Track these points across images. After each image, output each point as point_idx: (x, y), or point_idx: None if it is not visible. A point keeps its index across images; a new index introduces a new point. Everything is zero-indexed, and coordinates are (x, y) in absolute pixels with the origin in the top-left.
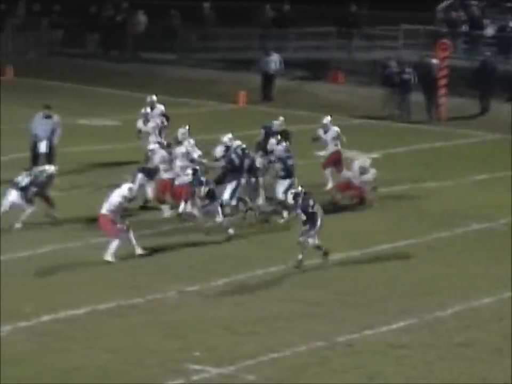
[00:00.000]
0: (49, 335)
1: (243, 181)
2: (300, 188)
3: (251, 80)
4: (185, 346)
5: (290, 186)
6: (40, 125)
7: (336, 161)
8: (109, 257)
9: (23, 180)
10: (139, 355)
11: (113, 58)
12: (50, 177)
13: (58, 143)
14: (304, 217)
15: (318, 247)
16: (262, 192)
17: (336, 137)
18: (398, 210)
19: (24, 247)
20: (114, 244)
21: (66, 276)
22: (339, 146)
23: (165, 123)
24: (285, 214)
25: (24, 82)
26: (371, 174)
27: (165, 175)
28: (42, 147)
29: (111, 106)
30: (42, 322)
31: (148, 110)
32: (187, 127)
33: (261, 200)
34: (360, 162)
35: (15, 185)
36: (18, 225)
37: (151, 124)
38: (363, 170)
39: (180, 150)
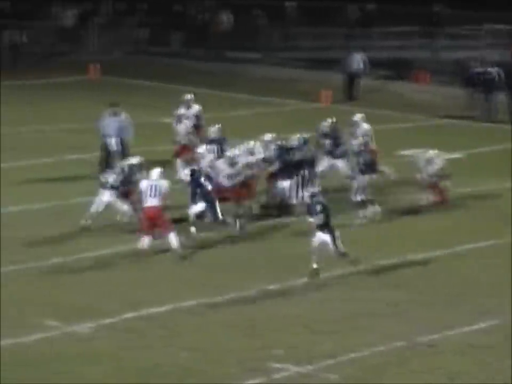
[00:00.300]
0: (131, 332)
1: (300, 175)
2: (317, 188)
3: (335, 80)
4: (265, 344)
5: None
6: (108, 123)
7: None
8: (179, 251)
9: (112, 177)
10: (218, 354)
11: (198, 57)
12: (140, 167)
13: (142, 142)
14: (320, 220)
15: (343, 254)
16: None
17: (367, 135)
18: (480, 210)
19: (107, 245)
20: (174, 237)
21: (148, 274)
22: (373, 142)
23: (201, 123)
24: (361, 213)
25: (110, 81)
26: (437, 164)
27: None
28: (113, 145)
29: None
30: (124, 319)
31: (182, 111)
32: (218, 126)
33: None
34: (424, 156)
35: (105, 185)
36: (125, 219)
37: (182, 126)
38: (428, 163)
39: (246, 147)
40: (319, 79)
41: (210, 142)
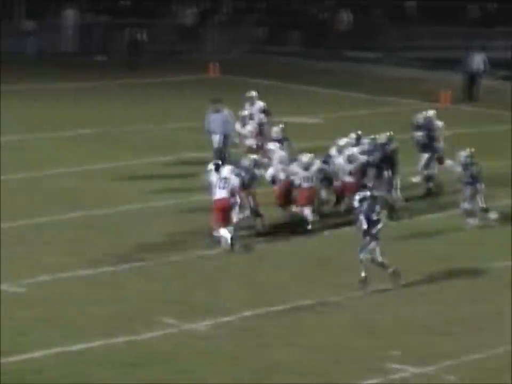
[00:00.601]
0: (249, 331)
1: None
2: (368, 192)
3: (455, 80)
4: (383, 345)
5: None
6: (212, 120)
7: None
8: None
9: (231, 176)
10: (337, 353)
11: (316, 56)
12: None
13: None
14: (365, 226)
15: (382, 265)
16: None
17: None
18: None
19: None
20: (226, 232)
21: (266, 274)
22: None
23: (265, 120)
24: (471, 221)
25: (229, 80)
26: None
27: (282, 177)
28: (216, 141)
29: (313, 104)
30: (242, 318)
31: (246, 112)
32: (282, 126)
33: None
34: None
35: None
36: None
37: (248, 127)
38: None
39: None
40: (439, 79)
41: (273, 141)
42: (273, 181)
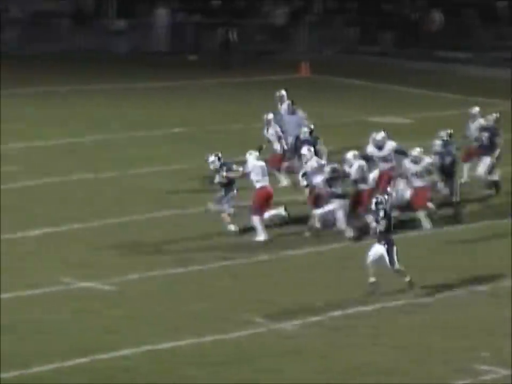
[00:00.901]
0: (339, 330)
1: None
2: (386, 196)
3: None
4: (473, 346)
5: None
6: (287, 121)
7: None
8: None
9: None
10: (425, 353)
11: (407, 56)
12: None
13: (351, 140)
14: (381, 229)
15: (397, 271)
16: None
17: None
18: None
19: (311, 244)
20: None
21: (357, 273)
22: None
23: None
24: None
25: (320, 80)
26: None
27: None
28: (289, 143)
29: (404, 105)
30: (331, 317)
31: (270, 116)
32: (312, 126)
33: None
34: None
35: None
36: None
37: (270, 131)
38: None
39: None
40: None
41: (302, 142)
42: (307, 185)
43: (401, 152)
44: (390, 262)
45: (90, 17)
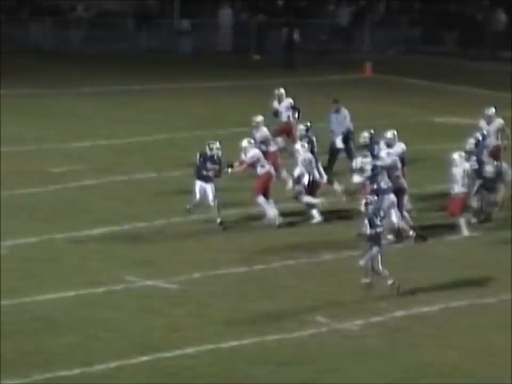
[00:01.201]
0: (401, 331)
1: None
2: (374, 196)
3: None
4: None
5: None
6: (333, 120)
7: (495, 155)
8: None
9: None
10: (489, 355)
11: (472, 57)
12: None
13: (416, 140)
14: (368, 230)
15: (380, 274)
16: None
17: (500, 130)
18: None
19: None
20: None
21: (420, 273)
22: (499, 141)
23: (292, 117)
24: None
25: (383, 80)
26: None
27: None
28: (338, 143)
29: (469, 105)
30: (394, 318)
31: (276, 104)
32: (309, 124)
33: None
34: None
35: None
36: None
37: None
38: None
39: None
40: None
41: (300, 139)
42: (298, 180)
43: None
44: (373, 264)
45: (155, 17)
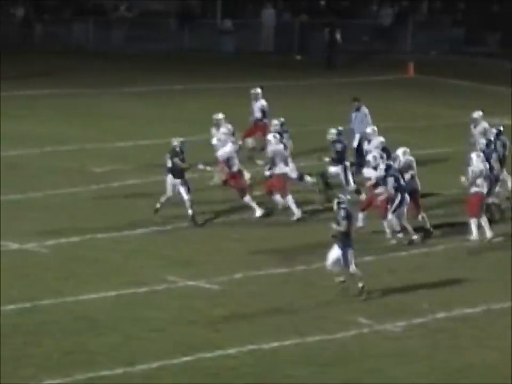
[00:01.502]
0: (443, 332)
1: None
2: (348, 196)
3: None
4: None
5: None
6: (354, 119)
7: None
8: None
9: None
10: None
11: None
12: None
13: (455, 142)
14: (343, 228)
15: (352, 275)
16: None
17: (483, 134)
18: None
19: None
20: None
21: (462, 274)
22: None
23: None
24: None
25: (426, 80)
26: None
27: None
28: (355, 142)
29: (509, 106)
30: (436, 319)
31: (253, 102)
32: (282, 119)
33: None
34: None
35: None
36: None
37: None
38: None
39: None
40: None
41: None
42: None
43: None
44: (345, 264)
45: (197, 17)
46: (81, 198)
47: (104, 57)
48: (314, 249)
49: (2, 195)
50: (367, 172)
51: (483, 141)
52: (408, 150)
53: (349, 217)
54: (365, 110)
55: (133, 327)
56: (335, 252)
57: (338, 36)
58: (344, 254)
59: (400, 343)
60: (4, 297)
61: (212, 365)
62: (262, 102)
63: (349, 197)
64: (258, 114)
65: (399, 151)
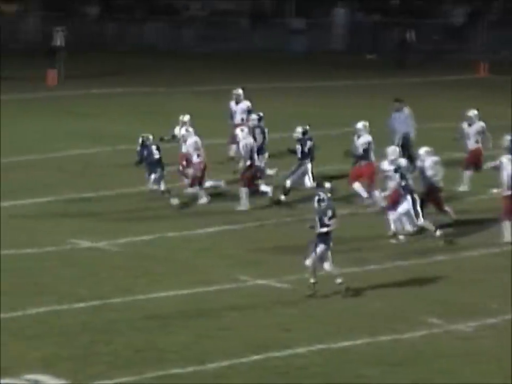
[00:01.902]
0: None
1: None
2: (328, 194)
3: None
4: None
5: None
6: (394, 119)
7: (476, 159)
8: None
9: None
10: None
11: None
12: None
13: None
14: (318, 228)
15: (330, 274)
16: None
17: (480, 133)
18: None
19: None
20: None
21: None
22: (479, 144)
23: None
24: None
25: (498, 81)
26: None
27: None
28: (397, 141)
29: None
30: (507, 320)
31: (233, 105)
32: (261, 114)
33: None
34: None
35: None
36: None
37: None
38: None
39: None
40: None
41: (252, 129)
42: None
43: None
44: (325, 263)
45: (269, 16)
46: (152, 196)
47: (176, 56)
48: (385, 249)
49: (75, 193)
50: (384, 164)
51: (508, 137)
52: (430, 149)
53: (335, 216)
54: (406, 111)
55: (204, 325)
56: (317, 250)
57: (409, 35)
58: (324, 253)
59: (472, 343)
60: (73, 295)
61: (281, 364)
62: (247, 103)
63: (329, 194)
64: (239, 117)
65: (421, 150)
